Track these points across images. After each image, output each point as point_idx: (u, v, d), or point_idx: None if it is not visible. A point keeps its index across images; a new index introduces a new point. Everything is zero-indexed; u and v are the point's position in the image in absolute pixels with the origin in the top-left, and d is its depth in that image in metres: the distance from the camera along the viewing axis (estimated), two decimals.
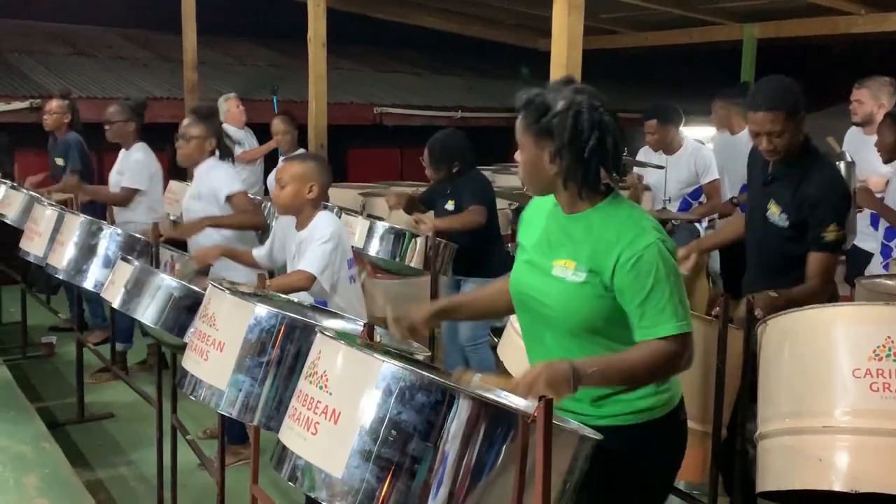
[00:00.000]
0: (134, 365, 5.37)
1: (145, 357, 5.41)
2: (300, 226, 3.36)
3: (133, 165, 5.08)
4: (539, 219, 2.18)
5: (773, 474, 2.48)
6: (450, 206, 4.50)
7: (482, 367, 4.28)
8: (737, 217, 3.63)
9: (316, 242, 3.25)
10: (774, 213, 3.00)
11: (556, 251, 2.05)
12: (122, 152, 5.22)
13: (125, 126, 5.08)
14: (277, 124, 5.98)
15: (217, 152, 4.15)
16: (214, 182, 4.07)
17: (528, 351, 2.22)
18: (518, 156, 2.04)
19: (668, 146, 5.29)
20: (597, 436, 1.88)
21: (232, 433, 4.08)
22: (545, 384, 1.77)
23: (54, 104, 5.90)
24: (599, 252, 1.97)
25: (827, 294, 2.93)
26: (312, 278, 3.17)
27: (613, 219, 2.00)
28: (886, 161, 4.38)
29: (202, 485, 3.92)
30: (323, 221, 3.32)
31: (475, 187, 4.50)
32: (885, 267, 4.20)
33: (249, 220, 4.11)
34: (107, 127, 5.14)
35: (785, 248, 3.00)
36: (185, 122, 4.15)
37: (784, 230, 2.98)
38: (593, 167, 1.98)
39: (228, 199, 4.04)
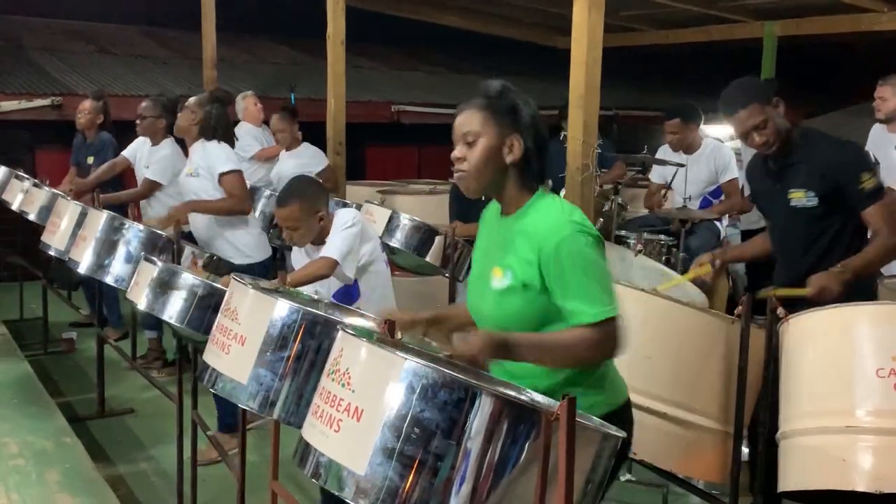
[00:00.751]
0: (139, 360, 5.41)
1: (146, 352, 5.47)
2: (318, 242, 3.37)
3: (159, 160, 5.13)
4: (483, 232, 2.25)
5: (796, 474, 2.46)
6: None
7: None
8: (760, 236, 3.61)
9: (337, 230, 3.26)
10: (800, 197, 3.00)
11: (494, 260, 2.10)
12: (149, 148, 5.26)
13: (156, 122, 5.13)
14: (276, 122, 5.99)
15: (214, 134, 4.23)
16: (211, 158, 4.16)
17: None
18: (462, 150, 2.05)
19: (689, 145, 5.26)
20: (620, 433, 1.87)
21: (223, 422, 4.10)
22: (478, 346, 1.89)
23: (88, 104, 5.93)
24: (521, 251, 2.02)
25: None
26: (334, 264, 3.19)
27: (535, 215, 2.05)
28: None
29: (221, 480, 3.94)
30: (340, 220, 3.34)
31: None
32: None
33: (234, 205, 4.17)
34: (138, 122, 5.21)
35: (813, 229, 3.00)
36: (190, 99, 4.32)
37: (815, 209, 2.98)
38: (538, 160, 2.07)
39: (221, 176, 4.13)
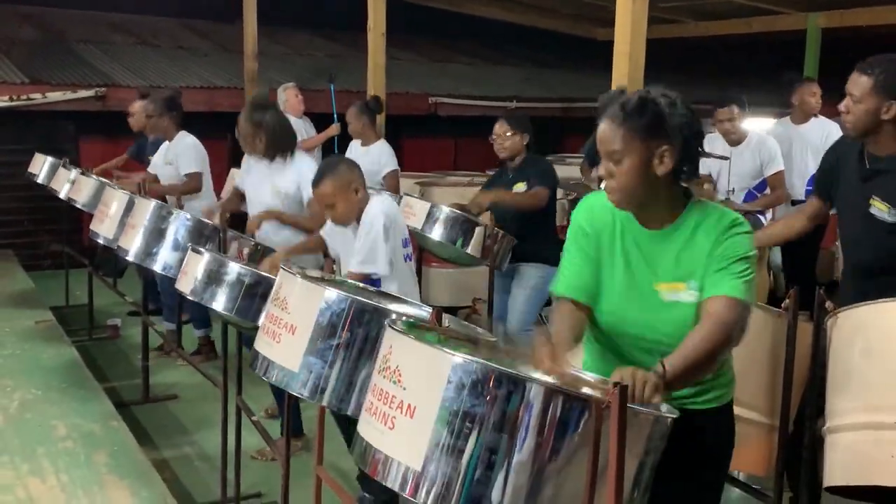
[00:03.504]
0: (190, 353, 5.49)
1: (198, 346, 5.55)
2: (359, 220, 3.41)
3: (184, 151, 5.20)
4: (608, 236, 2.11)
5: (842, 469, 2.44)
6: (520, 187, 4.45)
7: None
8: (789, 216, 3.53)
9: (365, 242, 3.30)
10: (881, 209, 2.86)
11: (658, 275, 2.03)
12: (166, 144, 5.34)
13: (160, 120, 5.22)
14: (348, 116, 5.90)
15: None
16: (302, 175, 4.09)
17: (601, 358, 2.19)
18: (609, 169, 1.98)
19: (739, 137, 5.21)
20: (673, 413, 1.87)
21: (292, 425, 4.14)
22: (639, 398, 1.78)
23: (136, 105, 6.01)
24: (698, 257, 1.99)
25: None
26: (368, 276, 3.28)
27: (704, 221, 2.02)
28: None
29: (265, 466, 4.00)
30: (373, 209, 3.36)
31: (541, 168, 4.48)
32: None
33: (315, 227, 4.03)
34: (147, 122, 5.35)
35: (891, 245, 2.86)
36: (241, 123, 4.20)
37: (893, 226, 2.84)
38: (692, 161, 2.02)
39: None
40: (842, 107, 2.87)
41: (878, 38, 9.87)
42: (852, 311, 2.52)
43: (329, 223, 3.58)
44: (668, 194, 2.02)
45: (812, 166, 5.37)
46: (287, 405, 3.26)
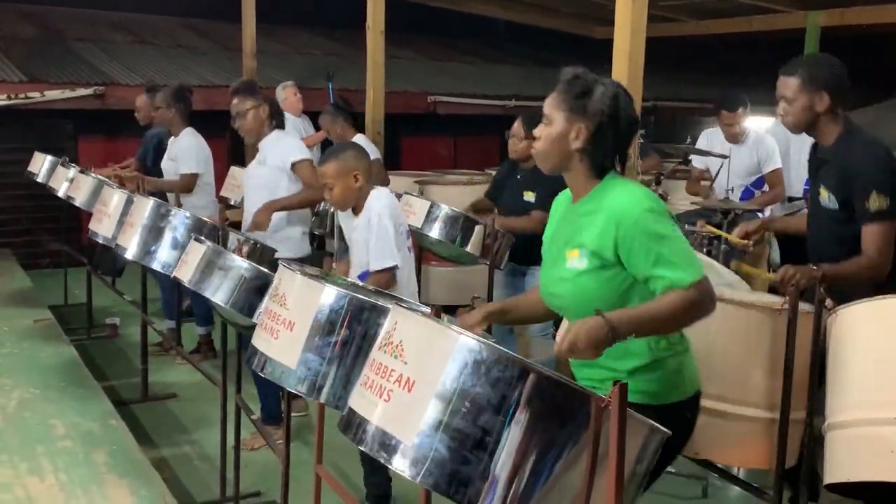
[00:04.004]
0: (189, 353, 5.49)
1: (197, 345, 5.54)
2: (357, 211, 3.45)
3: (185, 151, 5.20)
4: (555, 217, 2.31)
5: (842, 465, 2.44)
6: (529, 196, 4.44)
7: (543, 359, 4.27)
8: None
9: (377, 241, 3.32)
10: (824, 196, 2.95)
11: (566, 243, 2.16)
12: (172, 139, 5.35)
13: (166, 112, 5.22)
14: (321, 122, 5.93)
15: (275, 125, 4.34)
16: (284, 149, 4.24)
17: None
18: (541, 128, 2.16)
19: (741, 135, 5.21)
20: (666, 432, 1.86)
21: (267, 411, 4.15)
22: (585, 342, 1.89)
23: (139, 101, 6.03)
24: (596, 230, 2.07)
25: (883, 266, 2.83)
26: (392, 271, 3.32)
27: (606, 196, 2.10)
28: None
29: (264, 464, 4.00)
30: (374, 204, 3.39)
31: (553, 188, 4.45)
32: None
33: (312, 196, 4.24)
34: (153, 114, 5.34)
35: (838, 231, 2.94)
36: (234, 101, 4.36)
37: (836, 213, 2.92)
38: (611, 151, 2.14)
39: (294, 166, 4.21)
40: (779, 110, 2.99)
41: (877, 36, 9.89)
42: (852, 307, 2.52)
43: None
44: (583, 169, 2.15)
45: None
46: (287, 398, 3.24)
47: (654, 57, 4.52)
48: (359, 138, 5.79)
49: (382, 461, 1.69)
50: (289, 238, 4.27)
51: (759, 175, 5.27)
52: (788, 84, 2.92)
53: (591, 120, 2.10)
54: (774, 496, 2.72)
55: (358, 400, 1.80)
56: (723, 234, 3.86)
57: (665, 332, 2.09)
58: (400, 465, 1.66)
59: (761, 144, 5.21)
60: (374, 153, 5.71)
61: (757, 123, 6.25)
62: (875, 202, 2.79)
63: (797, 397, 2.67)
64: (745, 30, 9.05)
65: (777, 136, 5.44)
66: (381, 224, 3.33)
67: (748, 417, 2.66)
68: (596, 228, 2.07)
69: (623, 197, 2.07)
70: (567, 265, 2.13)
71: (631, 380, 2.04)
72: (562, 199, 2.31)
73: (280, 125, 4.39)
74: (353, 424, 1.78)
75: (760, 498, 2.84)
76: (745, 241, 3.34)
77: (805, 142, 5.44)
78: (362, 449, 1.74)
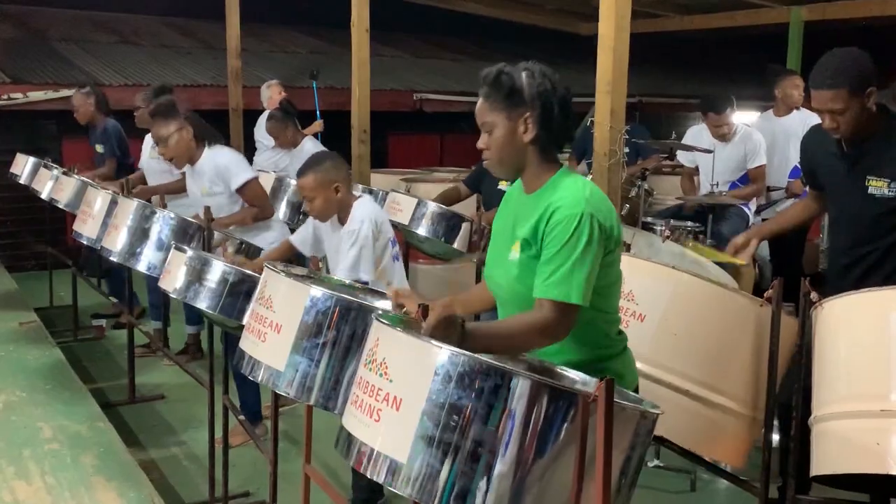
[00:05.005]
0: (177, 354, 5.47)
1: (185, 345, 5.52)
2: (342, 221, 3.43)
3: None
4: (503, 210, 2.24)
5: (829, 458, 2.45)
6: (504, 186, 4.46)
7: None
8: (800, 203, 3.54)
9: (355, 241, 3.31)
10: (880, 186, 2.88)
11: (511, 238, 2.12)
12: (150, 137, 5.28)
13: (148, 111, 5.17)
14: (269, 128, 5.88)
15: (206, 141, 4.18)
16: (224, 175, 4.11)
17: None
18: (485, 139, 2.09)
19: (729, 134, 5.22)
20: (658, 410, 1.88)
21: (247, 409, 4.14)
22: (439, 335, 1.82)
23: (76, 98, 6.01)
24: (533, 221, 2.03)
25: None
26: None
27: (555, 191, 2.05)
28: None
29: (253, 464, 3.99)
30: (358, 214, 3.38)
31: None
32: None
33: (259, 212, 4.15)
34: (135, 114, 5.32)
35: (890, 220, 2.88)
36: (153, 125, 4.15)
37: (892, 200, 2.85)
38: (562, 129, 2.08)
39: (240, 189, 4.12)
40: (828, 125, 2.85)
41: (860, 30, 9.95)
42: (837, 300, 2.53)
43: (310, 224, 3.58)
44: (538, 161, 2.09)
45: (794, 157, 5.40)
46: (274, 398, 3.23)
47: (639, 53, 4.54)
48: (307, 141, 5.79)
49: (380, 482, 1.70)
50: (266, 241, 4.22)
51: (744, 171, 5.30)
52: (838, 96, 2.77)
53: (532, 106, 2.04)
54: (762, 489, 2.73)
55: (350, 420, 1.81)
56: (716, 255, 3.83)
57: (516, 350, 2.08)
58: (397, 484, 1.67)
59: (749, 140, 5.23)
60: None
61: (743, 118, 6.28)
62: None
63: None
64: (729, 25, 9.09)
65: (762, 130, 5.47)
66: (360, 235, 3.31)
67: (726, 409, 2.68)
68: (532, 221, 2.03)
69: (565, 193, 2.01)
70: (510, 257, 2.09)
71: (601, 367, 2.07)
72: (516, 188, 2.24)
73: (209, 140, 4.21)
74: (350, 447, 1.78)
75: (748, 491, 2.85)
76: (740, 261, 3.33)
77: (791, 134, 5.51)
78: (361, 471, 1.74)
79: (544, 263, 1.97)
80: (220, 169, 4.12)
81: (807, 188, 3.37)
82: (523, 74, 2.06)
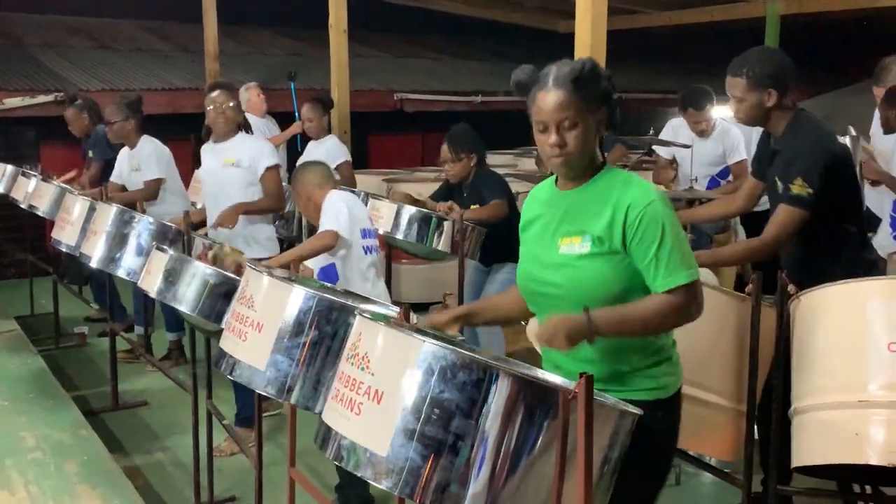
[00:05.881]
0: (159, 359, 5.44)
1: (168, 351, 5.49)
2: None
3: (147, 158, 5.15)
4: (537, 211, 2.21)
5: (809, 449, 2.48)
6: (474, 209, 4.46)
7: (493, 346, 4.33)
8: (721, 200, 3.65)
9: (327, 206, 3.40)
10: (780, 186, 2.96)
11: (559, 232, 2.10)
12: (126, 151, 5.29)
13: (126, 124, 5.16)
14: (306, 111, 5.92)
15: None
16: (255, 154, 4.23)
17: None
18: (559, 137, 2.02)
19: (708, 130, 5.25)
20: (637, 411, 1.89)
21: (243, 416, 4.13)
22: (565, 336, 1.89)
23: (69, 113, 6.02)
24: (605, 218, 2.02)
25: (768, 251, 2.94)
26: (334, 234, 3.32)
27: (614, 184, 2.06)
28: (886, 133, 4.34)
29: (238, 468, 3.98)
30: (333, 194, 3.50)
31: (493, 183, 4.49)
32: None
33: (277, 203, 4.27)
34: (107, 130, 5.30)
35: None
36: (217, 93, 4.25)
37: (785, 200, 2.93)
38: (616, 124, 2.11)
39: (266, 170, 4.21)
40: (730, 108, 3.05)
41: (835, 23, 10.04)
42: (814, 293, 2.55)
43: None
44: (595, 156, 2.11)
45: None
46: (256, 401, 3.23)
47: (616, 50, 4.55)
48: (330, 138, 5.79)
49: (360, 475, 1.70)
50: (255, 240, 4.24)
51: (724, 165, 5.33)
52: (736, 84, 2.96)
53: (607, 103, 2.06)
54: (745, 481, 2.75)
55: (331, 414, 1.80)
56: None
57: (647, 334, 2.06)
58: (377, 477, 1.67)
59: (727, 135, 5.26)
60: (345, 155, 5.71)
61: (722, 112, 6.32)
62: (797, 187, 2.84)
63: (762, 384, 2.70)
64: (706, 20, 9.14)
65: (741, 126, 5.50)
66: (333, 204, 3.41)
67: (713, 405, 2.69)
68: (603, 218, 2.02)
69: (629, 186, 2.03)
70: (561, 251, 2.07)
71: (652, 373, 2.08)
72: (543, 189, 2.22)
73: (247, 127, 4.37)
74: (328, 440, 1.78)
75: (732, 483, 2.87)
76: None
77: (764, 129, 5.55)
78: (339, 465, 1.74)
79: (653, 258, 1.98)
80: (254, 147, 4.26)
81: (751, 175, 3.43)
82: (602, 72, 2.07)
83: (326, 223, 3.36)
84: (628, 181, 2.06)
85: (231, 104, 4.17)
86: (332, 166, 5.51)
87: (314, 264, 3.44)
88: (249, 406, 4.10)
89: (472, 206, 4.44)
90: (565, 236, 2.07)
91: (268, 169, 4.20)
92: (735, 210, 3.50)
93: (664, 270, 1.98)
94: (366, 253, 3.49)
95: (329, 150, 5.65)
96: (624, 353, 2.06)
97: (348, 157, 5.77)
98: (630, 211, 1.99)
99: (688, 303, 2.00)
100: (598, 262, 2.02)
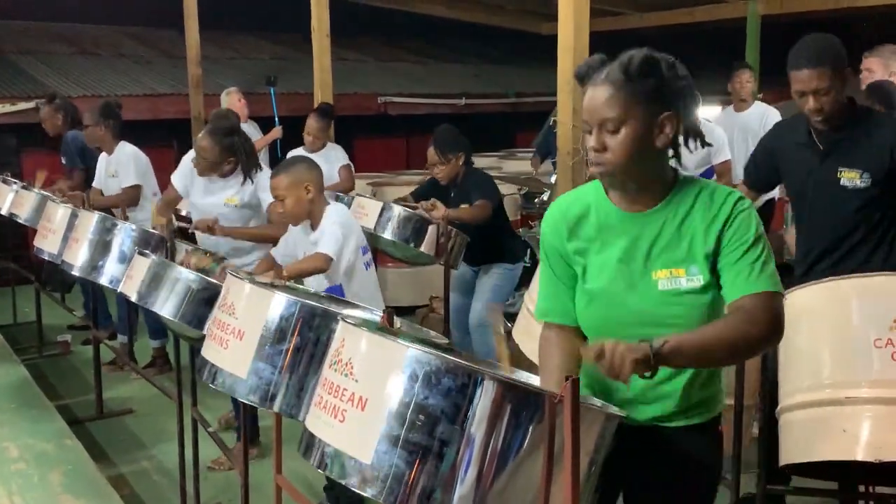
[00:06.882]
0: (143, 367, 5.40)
1: (152, 358, 5.45)
2: (314, 226, 3.40)
3: (125, 165, 5.11)
4: (586, 232, 1.90)
5: (797, 447, 2.48)
6: (463, 206, 4.44)
7: (484, 350, 4.29)
8: None
9: (328, 227, 3.29)
10: (853, 177, 2.89)
11: (648, 260, 1.83)
12: (104, 156, 5.24)
13: (97, 129, 5.12)
14: (311, 122, 5.80)
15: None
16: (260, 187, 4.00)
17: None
18: (603, 139, 1.77)
19: None
20: (622, 413, 1.87)
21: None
22: (631, 367, 1.66)
23: (44, 112, 5.94)
24: (699, 237, 1.79)
25: None
26: (329, 259, 3.21)
27: (698, 197, 1.82)
28: None
29: (224, 476, 3.95)
30: (332, 213, 3.37)
31: (482, 184, 4.48)
32: None
33: (274, 234, 3.97)
34: (84, 132, 5.26)
35: (866, 211, 2.90)
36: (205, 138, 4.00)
37: (867, 191, 2.87)
38: (696, 131, 1.84)
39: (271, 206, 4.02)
40: (812, 106, 2.83)
41: (816, 23, 10.09)
42: (799, 291, 2.56)
43: (288, 231, 3.55)
44: (660, 171, 1.82)
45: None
46: (243, 411, 3.21)
47: (600, 52, 4.55)
48: (332, 146, 5.76)
49: (344, 483, 1.68)
50: (243, 249, 4.16)
51: (708, 166, 5.34)
52: (823, 75, 2.76)
53: (677, 105, 1.77)
54: (733, 480, 2.76)
55: (314, 421, 1.78)
56: None
57: (721, 363, 1.86)
58: (361, 485, 1.65)
59: (711, 135, 5.21)
60: (344, 159, 5.68)
61: (704, 113, 6.34)
62: None
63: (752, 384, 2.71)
64: (688, 21, 9.18)
65: (722, 125, 5.53)
66: (335, 226, 3.30)
67: None
68: (696, 237, 1.78)
69: (715, 199, 1.79)
70: (661, 287, 1.80)
71: (703, 390, 1.91)
72: (601, 208, 1.87)
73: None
74: (312, 448, 1.76)
75: (720, 482, 2.87)
76: None
77: (748, 130, 5.57)
78: (324, 473, 1.72)
79: (741, 260, 1.75)
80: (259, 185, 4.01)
81: (742, 185, 3.38)
82: (665, 65, 1.77)
83: (326, 247, 3.24)
84: (708, 188, 1.82)
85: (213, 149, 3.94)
86: (335, 169, 5.52)
87: (316, 284, 3.38)
88: (252, 423, 4.03)
89: (462, 206, 4.41)
90: (662, 268, 1.81)
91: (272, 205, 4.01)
92: None
93: (755, 273, 1.75)
94: (367, 268, 3.47)
95: (328, 154, 5.61)
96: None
97: (347, 161, 5.76)
98: (719, 215, 1.77)
99: (779, 312, 1.76)
100: (706, 296, 1.80)
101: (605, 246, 1.87)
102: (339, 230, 3.28)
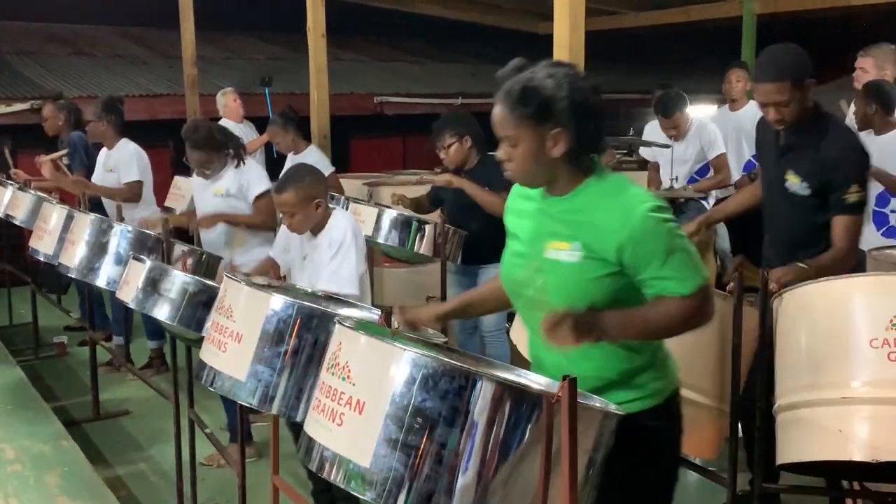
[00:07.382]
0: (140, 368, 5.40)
1: (149, 359, 5.45)
2: (315, 231, 3.31)
3: (128, 161, 5.13)
4: (527, 206, 2.12)
5: (793, 447, 2.48)
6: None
7: (499, 355, 4.26)
8: (746, 188, 3.60)
9: (338, 251, 3.20)
10: (794, 182, 2.97)
11: (548, 236, 2.02)
12: (105, 151, 5.26)
13: (98, 125, 5.15)
14: (270, 132, 5.80)
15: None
16: (246, 179, 4.23)
17: (530, 342, 2.21)
18: (507, 151, 1.96)
19: (682, 135, 5.27)
20: (621, 411, 1.88)
21: (233, 427, 4.09)
22: (571, 329, 1.83)
23: (47, 110, 5.96)
24: (596, 230, 1.93)
25: (853, 257, 2.92)
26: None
27: (605, 194, 1.96)
28: (861, 129, 4.38)
29: (221, 477, 3.95)
30: (337, 226, 3.27)
31: (502, 174, 4.39)
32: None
33: (263, 222, 4.21)
34: (87, 128, 5.32)
35: (807, 217, 2.97)
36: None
37: (806, 199, 2.95)
38: (595, 139, 1.97)
39: (257, 198, 4.19)
40: (772, 117, 2.91)
41: (811, 22, 10.10)
42: (797, 290, 2.56)
43: (283, 233, 3.51)
44: (568, 170, 1.97)
45: (747, 150, 5.49)
46: (239, 411, 3.21)
47: (596, 50, 4.56)
48: (311, 150, 5.71)
49: (343, 487, 1.68)
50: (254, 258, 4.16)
51: (703, 162, 5.35)
52: (782, 88, 2.83)
53: (563, 120, 1.89)
54: (730, 479, 2.76)
55: (313, 425, 1.78)
56: None
57: (654, 338, 2.01)
58: (360, 489, 1.65)
59: (704, 131, 5.28)
60: (327, 168, 5.62)
61: (700, 112, 6.35)
62: (853, 195, 2.83)
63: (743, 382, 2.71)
64: (684, 20, 9.19)
65: (717, 124, 5.54)
66: (345, 245, 3.20)
67: (695, 403, 2.70)
68: (595, 228, 1.92)
69: (626, 197, 1.92)
70: (548, 256, 1.99)
71: (639, 380, 2.02)
72: (530, 192, 2.12)
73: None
74: (311, 452, 1.76)
75: (717, 482, 2.87)
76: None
77: (742, 129, 5.58)
78: (323, 476, 1.72)
79: (657, 273, 1.89)
80: (245, 177, 4.26)
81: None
82: (549, 83, 1.89)
83: (349, 286, 3.15)
84: (618, 192, 1.95)
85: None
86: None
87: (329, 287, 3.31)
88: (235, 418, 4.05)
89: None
90: (553, 241, 1.99)
91: (258, 197, 4.20)
92: (759, 198, 3.38)
93: (675, 280, 1.91)
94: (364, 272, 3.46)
95: (307, 158, 5.58)
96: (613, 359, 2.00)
97: (332, 168, 5.68)
98: (625, 228, 1.88)
99: (702, 305, 1.95)
100: (583, 273, 1.94)
101: (526, 215, 2.11)
102: (351, 259, 3.22)
